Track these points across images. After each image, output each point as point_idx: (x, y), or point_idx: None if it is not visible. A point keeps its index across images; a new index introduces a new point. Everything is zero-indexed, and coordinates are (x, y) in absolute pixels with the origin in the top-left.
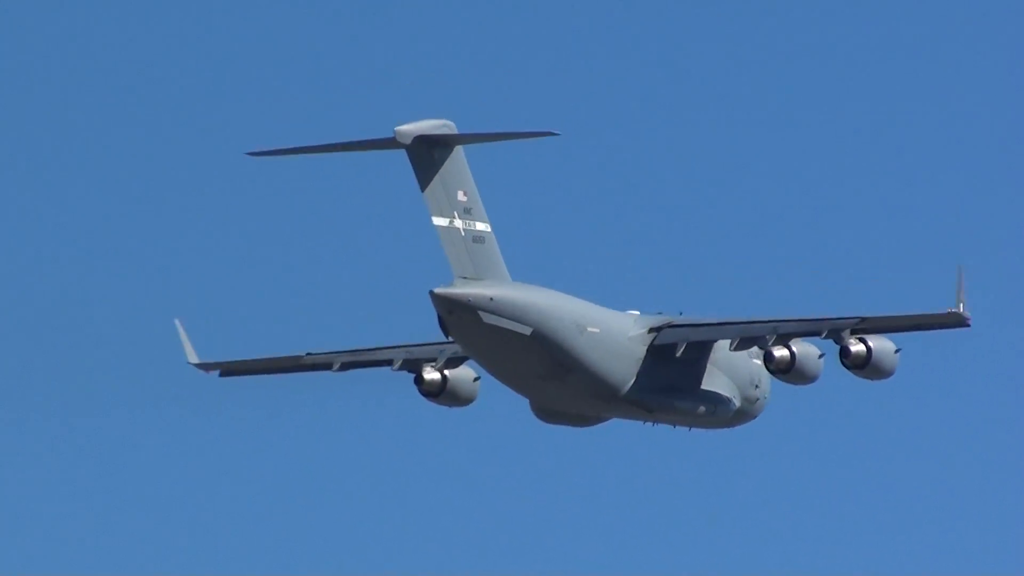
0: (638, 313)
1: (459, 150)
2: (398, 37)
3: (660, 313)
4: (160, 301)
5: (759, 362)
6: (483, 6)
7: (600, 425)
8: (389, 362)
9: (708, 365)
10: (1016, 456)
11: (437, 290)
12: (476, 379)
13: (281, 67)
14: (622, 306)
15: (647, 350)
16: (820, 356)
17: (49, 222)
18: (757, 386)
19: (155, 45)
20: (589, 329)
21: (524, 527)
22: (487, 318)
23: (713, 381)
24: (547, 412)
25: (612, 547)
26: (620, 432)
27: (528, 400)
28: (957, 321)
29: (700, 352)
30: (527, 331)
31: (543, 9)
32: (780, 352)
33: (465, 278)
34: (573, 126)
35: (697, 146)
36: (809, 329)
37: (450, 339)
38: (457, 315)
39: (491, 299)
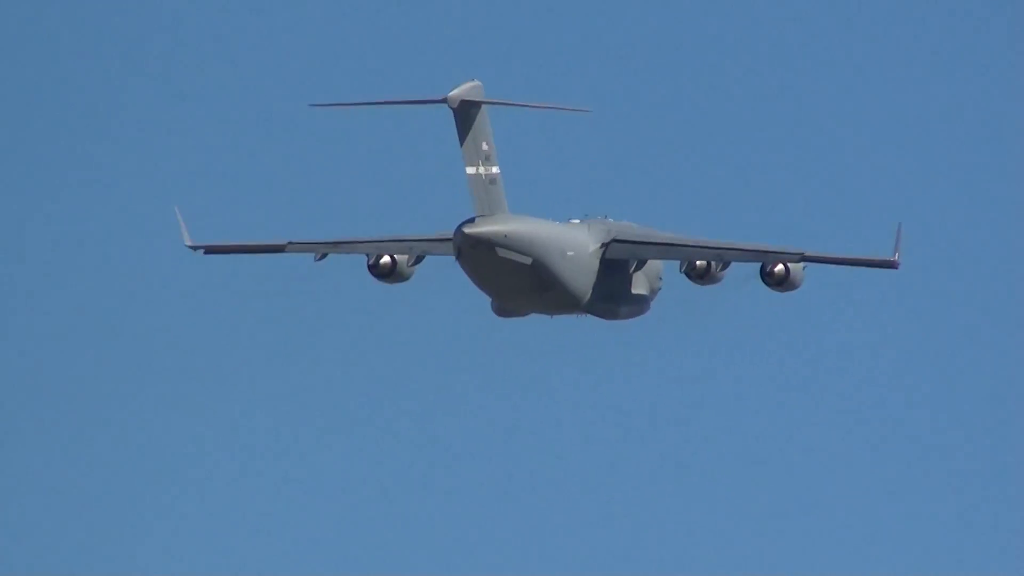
0: (578, 221)
1: (485, 107)
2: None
3: (587, 216)
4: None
5: None
6: None
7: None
8: (365, 255)
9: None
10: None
11: (466, 229)
12: (413, 264)
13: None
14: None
15: (599, 263)
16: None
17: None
18: (660, 278)
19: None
20: (568, 253)
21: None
22: (501, 252)
23: (637, 283)
24: (506, 311)
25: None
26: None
27: (491, 300)
28: (887, 264)
29: (637, 264)
30: (528, 261)
31: None
32: (701, 262)
33: (483, 216)
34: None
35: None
36: (752, 259)
37: (454, 258)
38: (477, 249)
39: (505, 236)
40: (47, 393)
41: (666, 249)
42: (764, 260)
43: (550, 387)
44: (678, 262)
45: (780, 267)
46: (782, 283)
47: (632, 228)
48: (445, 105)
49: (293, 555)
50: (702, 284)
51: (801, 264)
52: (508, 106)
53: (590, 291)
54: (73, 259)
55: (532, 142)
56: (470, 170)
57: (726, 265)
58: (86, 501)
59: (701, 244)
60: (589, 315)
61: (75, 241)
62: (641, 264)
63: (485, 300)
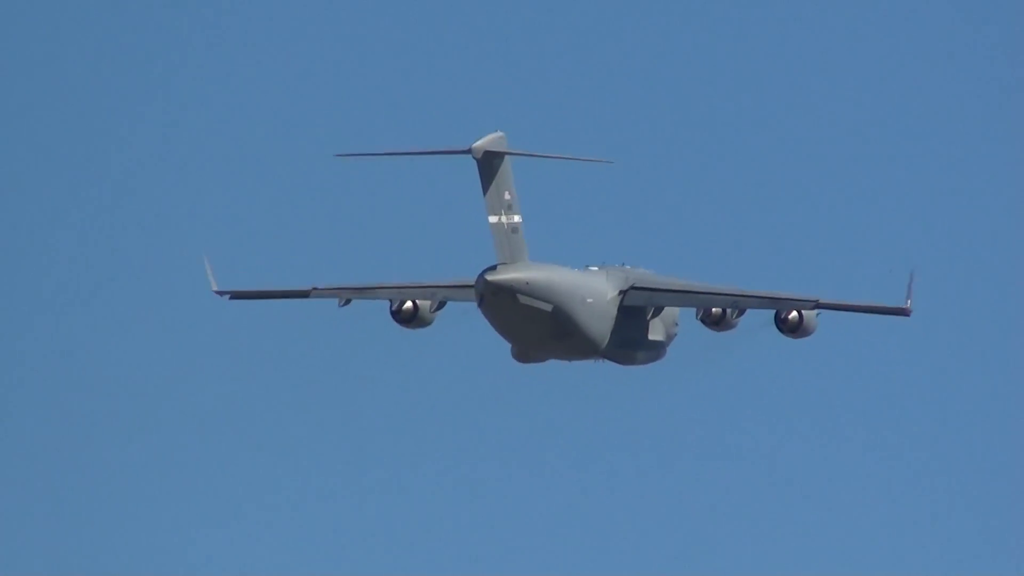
0: (597, 268)
1: (508, 158)
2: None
3: (605, 264)
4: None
5: None
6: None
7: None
8: (388, 300)
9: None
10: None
11: (488, 277)
12: (435, 310)
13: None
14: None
15: (617, 310)
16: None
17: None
18: (676, 324)
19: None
20: (587, 300)
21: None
22: (522, 299)
23: (654, 329)
24: (526, 357)
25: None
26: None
27: (511, 346)
28: (899, 312)
29: (655, 310)
30: (549, 308)
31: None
32: (716, 309)
33: (505, 264)
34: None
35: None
36: (766, 306)
37: (477, 306)
38: (499, 296)
39: (527, 283)
40: (73, 435)
41: (682, 296)
42: (778, 307)
43: (568, 431)
44: (694, 309)
45: (794, 314)
46: (796, 330)
47: (649, 275)
48: (469, 156)
49: None
50: (717, 330)
51: (815, 311)
52: (529, 156)
53: (608, 337)
54: (101, 306)
55: (551, 191)
56: (492, 219)
57: (741, 312)
58: (104, 552)
59: (716, 291)
60: (607, 360)
61: (103, 288)
62: (658, 311)
63: (505, 346)
